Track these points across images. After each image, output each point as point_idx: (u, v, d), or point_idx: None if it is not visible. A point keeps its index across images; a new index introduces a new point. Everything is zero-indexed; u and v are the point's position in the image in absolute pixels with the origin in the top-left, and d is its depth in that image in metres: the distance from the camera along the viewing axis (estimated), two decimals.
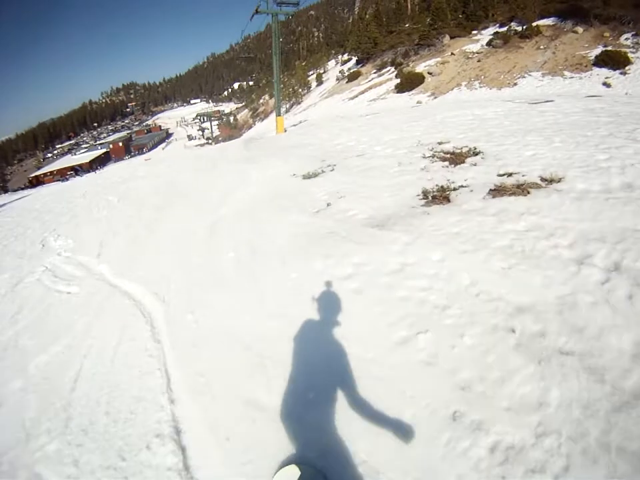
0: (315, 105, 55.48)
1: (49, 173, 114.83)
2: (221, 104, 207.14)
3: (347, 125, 19.98)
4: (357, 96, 45.10)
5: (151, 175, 19.23)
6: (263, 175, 12.32)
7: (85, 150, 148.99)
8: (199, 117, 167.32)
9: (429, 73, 38.53)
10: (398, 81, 40.43)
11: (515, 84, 30.21)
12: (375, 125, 17.29)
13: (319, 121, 33.77)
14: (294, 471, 3.05)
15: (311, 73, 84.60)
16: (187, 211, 10.74)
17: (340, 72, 65.72)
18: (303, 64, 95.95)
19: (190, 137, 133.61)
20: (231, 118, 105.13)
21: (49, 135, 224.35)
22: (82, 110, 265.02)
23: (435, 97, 33.76)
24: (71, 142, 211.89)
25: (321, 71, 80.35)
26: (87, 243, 10.22)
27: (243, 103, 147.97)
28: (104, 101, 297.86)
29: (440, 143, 10.84)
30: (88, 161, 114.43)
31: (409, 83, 37.73)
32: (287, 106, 70.30)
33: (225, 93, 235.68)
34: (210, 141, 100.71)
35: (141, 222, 10.89)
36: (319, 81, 73.08)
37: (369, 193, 8.18)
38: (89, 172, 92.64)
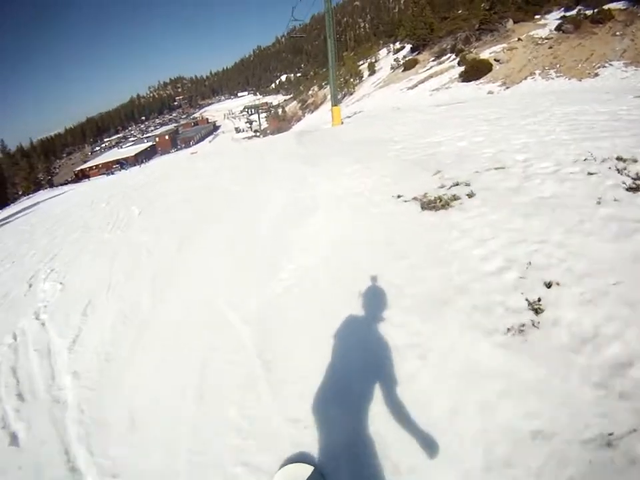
0: (369, 95, 52.56)
1: (94, 167, 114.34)
2: (268, 96, 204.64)
3: (422, 117, 16.95)
4: (416, 85, 42.42)
5: (190, 175, 16.84)
6: (334, 188, 8.73)
7: (132, 143, 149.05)
8: (246, 110, 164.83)
9: (495, 60, 35.55)
10: (461, 69, 37.72)
11: (596, 74, 27.39)
12: (467, 119, 13.26)
13: (379, 111, 31.33)
14: (295, 470, 3.03)
15: (360, 62, 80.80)
16: (217, 260, 6.97)
17: (395, 60, 62.33)
18: (352, 54, 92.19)
19: (237, 130, 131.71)
20: (279, 110, 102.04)
21: (97, 129, 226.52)
22: (130, 104, 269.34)
23: (507, 87, 31.06)
24: (118, 135, 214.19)
25: (373, 60, 76.57)
26: (74, 297, 7.15)
27: (291, 95, 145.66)
28: (151, 95, 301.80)
29: (622, 160, 6.23)
30: (133, 154, 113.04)
31: (475, 71, 34.86)
32: (339, 97, 66.94)
33: (272, 85, 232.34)
34: (258, 134, 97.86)
35: (149, 266, 7.56)
36: (371, 71, 69.53)
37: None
38: (135, 165, 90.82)
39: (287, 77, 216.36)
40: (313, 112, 76.92)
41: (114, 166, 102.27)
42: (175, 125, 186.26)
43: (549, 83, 28.74)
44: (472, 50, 41.90)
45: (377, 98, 47.63)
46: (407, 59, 57.23)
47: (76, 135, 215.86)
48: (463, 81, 35.57)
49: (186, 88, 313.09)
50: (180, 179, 16.38)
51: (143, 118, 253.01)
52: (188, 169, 18.76)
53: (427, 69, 46.87)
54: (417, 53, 56.77)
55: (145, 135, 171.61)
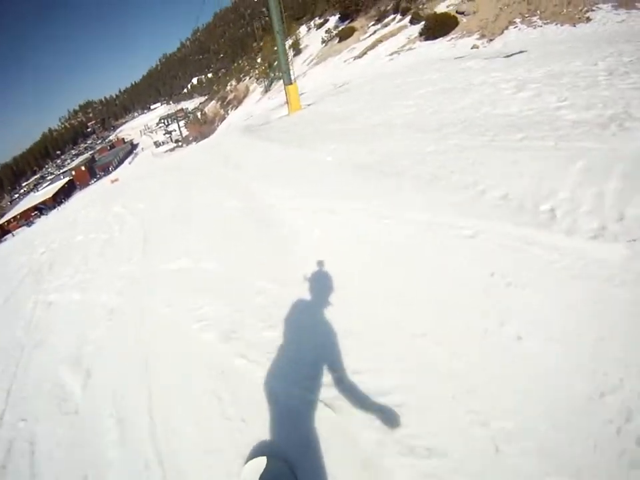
0: (305, 74, 44.26)
1: (12, 219, 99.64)
2: (182, 102, 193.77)
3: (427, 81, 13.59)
4: (365, 53, 35.67)
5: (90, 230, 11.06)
6: None
7: (49, 183, 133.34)
8: (162, 121, 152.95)
9: (458, 12, 30.02)
10: (417, 27, 32.49)
11: (588, 18, 23.18)
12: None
13: (330, 88, 26.40)
14: (262, 463, 2.98)
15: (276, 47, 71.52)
16: None
17: (327, 32, 53.77)
18: (269, 38, 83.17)
19: (157, 144, 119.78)
20: (198, 113, 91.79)
21: (14, 175, 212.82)
22: (43, 141, 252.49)
23: (491, 40, 25.78)
24: (36, 176, 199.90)
25: (295, 39, 67.74)
26: None
27: (206, 97, 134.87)
28: (63, 126, 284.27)
29: None
30: (51, 195, 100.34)
31: (441, 26, 29.32)
32: (265, 84, 58.27)
33: (185, 90, 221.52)
34: (180, 143, 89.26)
35: None
36: (297, 50, 60.70)
37: None
38: (54, 207, 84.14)
39: (198, 79, 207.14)
40: (237, 107, 67.90)
41: (32, 214, 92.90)
42: (91, 152, 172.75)
43: (540, 31, 24.28)
44: (421, 6, 36.25)
45: (316, 76, 40.20)
46: (339, 28, 49.22)
47: None
48: (427, 39, 29.97)
49: (97, 111, 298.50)
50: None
51: (59, 152, 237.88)
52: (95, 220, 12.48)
53: (370, 35, 40.39)
54: (349, 21, 49.63)
55: (62, 170, 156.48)
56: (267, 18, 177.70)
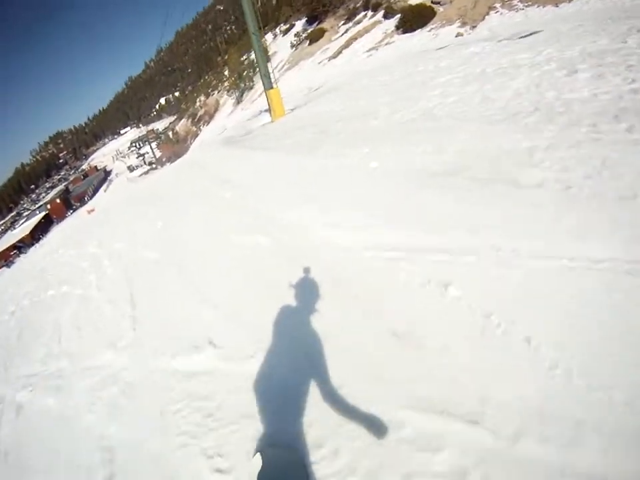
0: (277, 80, 41.94)
1: None
2: (152, 124, 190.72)
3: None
4: (339, 52, 34.46)
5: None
6: None
7: (24, 220, 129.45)
8: (134, 144, 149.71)
9: (433, 2, 29.52)
10: (392, 21, 31.91)
11: None
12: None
13: (308, 91, 25.87)
14: (272, 454, 2.88)
15: (244, 57, 69.35)
16: None
17: (295, 35, 51.87)
18: (234, 49, 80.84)
19: (131, 168, 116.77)
20: (170, 133, 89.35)
21: None
22: (15, 176, 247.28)
23: (473, 27, 24.95)
24: (12, 214, 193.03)
25: (265, 43, 65.74)
26: None
27: (176, 116, 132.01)
28: (35, 159, 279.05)
29: None
30: (28, 232, 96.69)
31: (418, 18, 28.80)
32: (237, 95, 56.22)
33: (153, 111, 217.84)
34: (154, 165, 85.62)
35: None
36: (266, 57, 58.94)
37: None
38: (33, 245, 79.82)
39: (166, 99, 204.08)
40: (209, 123, 65.64)
41: (12, 253, 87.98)
42: (65, 183, 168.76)
43: (523, 14, 23.31)
44: (392, 0, 35.15)
45: (289, 80, 38.20)
46: (308, 31, 47.27)
47: None
48: (405, 32, 29.30)
49: (68, 141, 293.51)
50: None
51: (33, 186, 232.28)
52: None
53: (342, 34, 38.96)
54: (317, 23, 47.88)
55: (37, 205, 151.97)
56: (229, 31, 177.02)
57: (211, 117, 66.25)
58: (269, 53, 58.41)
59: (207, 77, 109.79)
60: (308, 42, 43.86)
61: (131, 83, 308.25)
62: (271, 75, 19.00)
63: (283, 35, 61.93)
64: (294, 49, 48.42)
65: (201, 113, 76.28)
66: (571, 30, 11.76)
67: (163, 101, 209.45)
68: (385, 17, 33.46)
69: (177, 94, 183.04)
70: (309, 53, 40.42)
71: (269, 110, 19.07)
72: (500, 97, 7.34)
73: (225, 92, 67.86)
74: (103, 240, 10.56)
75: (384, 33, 31.29)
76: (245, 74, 56.44)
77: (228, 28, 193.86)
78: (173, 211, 9.91)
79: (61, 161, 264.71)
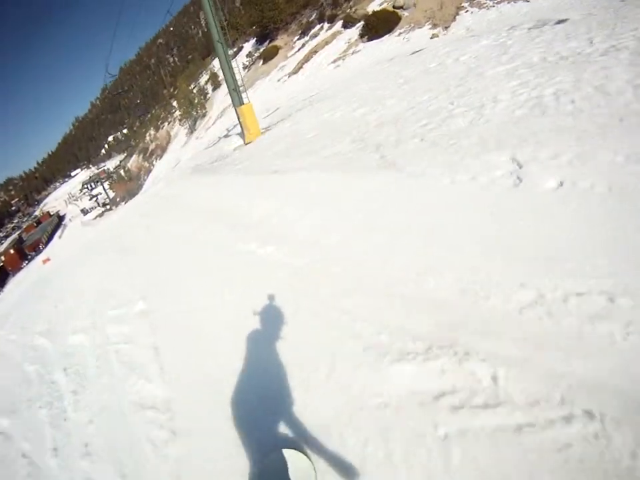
0: (231, 107, 39.19)
1: None
2: (102, 163, 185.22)
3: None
4: (300, 67, 32.18)
5: None
6: None
7: None
8: (85, 186, 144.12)
9: (395, 7, 28.38)
10: (352, 30, 30.70)
11: None
12: None
13: (274, 113, 22.11)
14: (282, 456, 2.93)
15: (192, 86, 66.36)
16: None
17: (247, 55, 48.72)
18: (183, 77, 77.46)
19: (84, 211, 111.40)
20: (121, 171, 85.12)
21: None
22: None
23: (446, 27, 23.97)
24: None
25: (213, 71, 62.24)
26: None
27: (125, 153, 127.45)
28: None
29: None
30: None
31: (383, 23, 27.43)
32: (189, 125, 53.00)
33: (102, 151, 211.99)
34: (108, 206, 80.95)
35: None
36: (215, 84, 55.61)
37: None
38: None
39: (114, 137, 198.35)
40: (161, 157, 62.38)
41: None
42: (19, 232, 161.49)
43: (497, 11, 22.39)
44: (349, 10, 33.69)
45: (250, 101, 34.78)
46: (260, 50, 44.15)
47: None
48: (371, 39, 27.85)
49: (19, 188, 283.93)
50: None
51: None
52: None
53: (299, 49, 36.69)
54: (268, 42, 44.95)
55: (4, 249, 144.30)
56: (172, 64, 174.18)
57: (164, 149, 62.94)
58: (219, 79, 55.43)
59: (154, 111, 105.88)
60: (261, 61, 41.06)
61: (78, 123, 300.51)
62: (241, 88, 15.85)
63: (232, 58, 58.79)
64: (247, 69, 45.36)
65: (152, 147, 72.77)
66: (588, 17, 10.87)
67: (111, 139, 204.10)
68: (345, 26, 31.63)
69: (124, 131, 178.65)
70: (264, 72, 37.73)
71: (241, 131, 16.01)
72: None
73: (177, 122, 64.51)
74: (54, 327, 6.90)
75: (347, 42, 29.33)
76: (196, 101, 53.16)
77: (171, 60, 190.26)
78: (157, 274, 6.65)
79: (13, 208, 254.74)
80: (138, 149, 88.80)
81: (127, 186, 68.09)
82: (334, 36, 31.76)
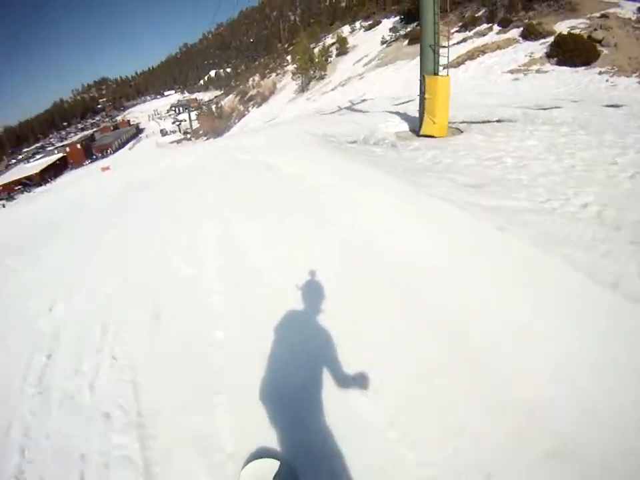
0: (361, 77, 34.38)
1: None
2: (197, 94, 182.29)
3: None
4: (462, 63, 27.37)
5: None
6: None
7: (42, 155, 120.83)
8: (173, 108, 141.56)
9: (592, 39, 23.09)
10: (538, 44, 25.50)
11: None
12: None
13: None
14: (263, 465, 2.92)
15: (312, 45, 60.81)
16: None
17: (391, 30, 42.87)
18: (303, 33, 72.18)
19: (163, 132, 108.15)
20: (213, 106, 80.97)
21: (16, 139, 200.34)
22: (52, 110, 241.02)
23: None
24: (37, 145, 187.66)
25: (342, 35, 56.44)
26: None
27: (222, 91, 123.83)
28: (74, 98, 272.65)
29: None
30: (39, 171, 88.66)
31: (581, 53, 22.19)
32: (302, 82, 47.93)
33: (201, 82, 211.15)
34: (188, 136, 78.58)
35: None
36: (342, 49, 50.34)
37: None
38: (41, 185, 77.58)
39: (216, 73, 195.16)
40: (260, 105, 58.13)
41: (16, 188, 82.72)
42: (95, 130, 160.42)
43: None
44: (527, 20, 28.71)
45: (381, 81, 30.12)
46: (408, 29, 38.62)
47: None
48: (561, 63, 22.65)
49: (110, 90, 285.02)
50: None
51: (65, 124, 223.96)
52: None
53: (458, 42, 31.33)
54: (416, 23, 38.45)
55: (63, 143, 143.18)
56: (292, 21, 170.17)
57: (264, 99, 58.78)
58: (347, 46, 49.94)
59: (263, 59, 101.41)
60: (406, 41, 35.62)
61: (186, 49, 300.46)
62: (440, 54, 10.36)
63: (365, 30, 53.35)
64: (385, 45, 39.88)
65: (252, 92, 68.65)
66: None
67: (213, 73, 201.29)
68: (524, 37, 26.70)
69: (228, 70, 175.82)
70: (408, 54, 32.41)
71: (419, 115, 10.57)
72: None
73: (287, 76, 59.57)
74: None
75: (528, 55, 24.41)
76: (317, 60, 48.25)
77: (292, 18, 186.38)
78: None
79: (99, 106, 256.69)
80: (237, 90, 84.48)
81: (214, 122, 64.84)
82: (508, 42, 27.01)
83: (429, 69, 10.01)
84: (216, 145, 19.71)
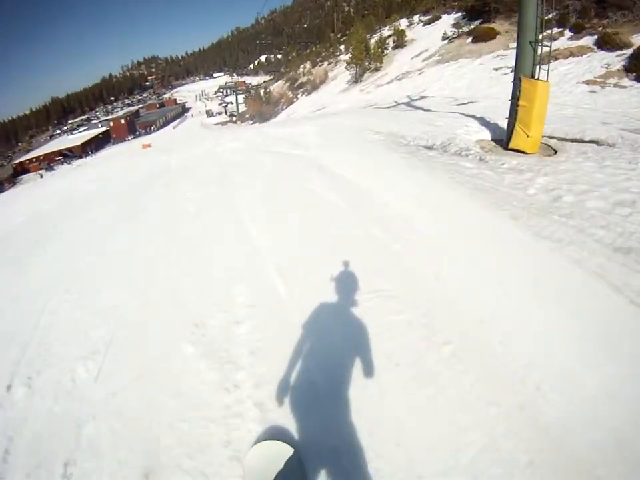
0: (420, 72, 32.48)
1: (34, 159, 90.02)
2: (246, 77, 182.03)
3: None
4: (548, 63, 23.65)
5: None
6: None
7: (86, 128, 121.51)
8: (221, 90, 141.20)
9: None
10: (615, 55, 23.32)
11: None
12: None
13: None
14: (268, 447, 2.94)
15: (368, 35, 58.57)
16: None
17: (454, 26, 40.69)
18: (358, 23, 69.77)
19: (209, 113, 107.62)
20: (262, 91, 78.77)
21: (63, 110, 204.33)
22: (100, 84, 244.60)
23: None
24: (82, 117, 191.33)
25: (400, 27, 53.89)
26: None
27: (272, 77, 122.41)
28: (123, 74, 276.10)
29: None
30: (80, 143, 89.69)
31: None
32: (356, 72, 45.87)
33: (251, 66, 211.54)
34: (234, 118, 77.60)
35: None
36: (399, 42, 48.42)
37: None
38: (81, 157, 77.83)
39: (266, 58, 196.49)
40: (310, 93, 56.54)
41: (56, 158, 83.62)
42: (140, 106, 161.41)
43: None
44: (600, 27, 27.03)
45: (442, 78, 27.93)
46: (471, 27, 36.89)
47: (40, 117, 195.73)
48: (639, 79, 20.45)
49: (160, 68, 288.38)
50: None
51: (112, 98, 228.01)
52: None
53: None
54: (480, 21, 37.28)
55: (108, 117, 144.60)
56: (347, 12, 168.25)
57: (315, 87, 57.27)
58: (405, 39, 47.98)
59: (315, 48, 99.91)
60: (470, 39, 33.66)
61: (238, 33, 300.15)
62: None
63: (424, 25, 51.38)
64: (446, 41, 37.99)
65: (302, 79, 67.54)
66: None
67: (263, 58, 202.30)
68: (599, 46, 24.84)
69: (279, 56, 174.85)
70: (472, 52, 30.44)
71: (509, 123, 9.06)
72: None
73: (339, 66, 58.29)
74: None
75: (604, 67, 22.42)
76: (374, 50, 46.43)
77: (347, 9, 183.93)
78: None
79: (147, 83, 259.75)
80: (287, 76, 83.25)
81: (262, 107, 63.79)
82: (582, 50, 24.99)
83: (526, 70, 8.54)
84: (262, 132, 18.56)
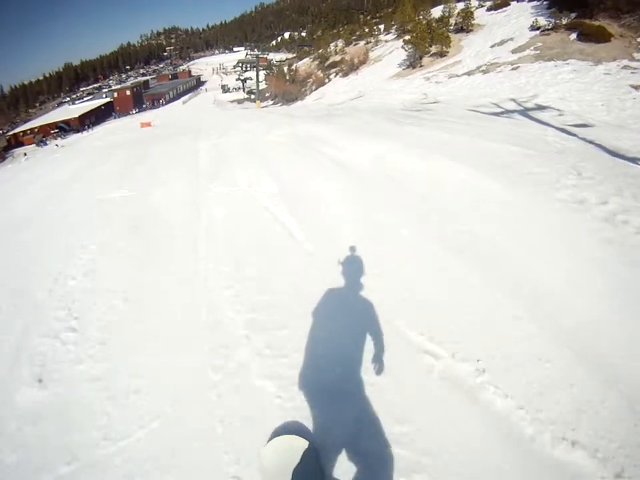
0: (515, 68, 23.77)
1: (29, 131, 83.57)
2: (267, 53, 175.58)
3: None
4: None
5: None
6: None
7: (90, 98, 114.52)
8: (240, 65, 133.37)
9: None
10: None
11: None
12: None
13: None
14: (284, 442, 2.94)
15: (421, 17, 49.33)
16: None
17: (552, 14, 31.39)
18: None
19: (225, 88, 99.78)
20: (286, 68, 69.99)
21: (76, 77, 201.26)
22: (117, 52, 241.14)
23: None
24: (94, 85, 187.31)
25: (467, 8, 44.43)
26: None
27: (295, 54, 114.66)
28: (141, 43, 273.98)
29: None
30: (77, 116, 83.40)
31: None
32: (413, 55, 36.85)
33: (273, 42, 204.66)
34: (252, 96, 70.80)
35: None
36: (467, 26, 39.35)
37: None
38: (79, 131, 73.18)
39: (290, 35, 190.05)
40: (347, 74, 48.54)
41: (52, 131, 77.92)
42: (151, 77, 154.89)
43: None
44: None
45: (556, 83, 19.75)
46: (570, 19, 28.51)
47: (52, 83, 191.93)
48: None
49: (180, 39, 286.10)
50: None
51: (128, 67, 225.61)
52: None
53: None
54: (576, 14, 28.78)
55: (118, 86, 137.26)
56: None
57: (352, 67, 49.18)
58: (473, 21, 39.30)
59: (345, 27, 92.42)
60: (575, 35, 25.30)
61: (262, 9, 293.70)
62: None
63: (488, 10, 43.18)
64: (538, 32, 29.49)
65: (336, 58, 59.91)
66: None
67: (287, 35, 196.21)
68: None
69: (303, 34, 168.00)
70: (586, 54, 21.87)
71: None
72: None
73: (384, 47, 50.90)
74: None
75: None
76: (442, 31, 37.30)
77: None
78: None
79: (165, 53, 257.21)
80: (314, 54, 75.14)
81: (285, 86, 56.26)
82: None
83: None
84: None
